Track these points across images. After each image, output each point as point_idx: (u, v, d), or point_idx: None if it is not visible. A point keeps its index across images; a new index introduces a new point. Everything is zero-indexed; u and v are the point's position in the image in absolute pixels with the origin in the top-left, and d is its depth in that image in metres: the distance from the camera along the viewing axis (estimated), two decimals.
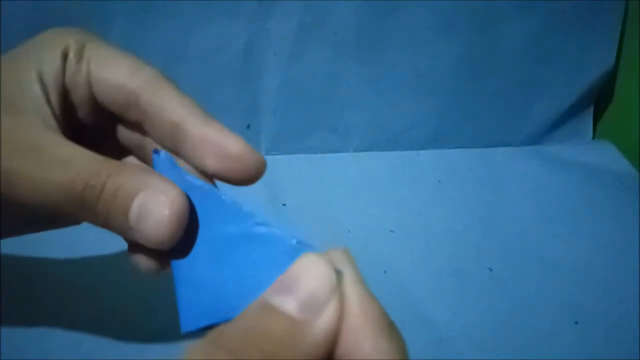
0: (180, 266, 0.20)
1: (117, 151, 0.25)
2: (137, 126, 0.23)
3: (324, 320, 0.15)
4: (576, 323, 0.36)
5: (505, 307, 0.36)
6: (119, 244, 0.24)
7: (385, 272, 0.38)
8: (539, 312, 0.36)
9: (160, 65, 0.43)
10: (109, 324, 0.31)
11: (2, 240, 0.26)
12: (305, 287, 0.15)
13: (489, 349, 0.34)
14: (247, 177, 0.22)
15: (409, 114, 0.48)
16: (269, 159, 0.46)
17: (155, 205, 0.19)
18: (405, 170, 0.47)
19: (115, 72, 0.22)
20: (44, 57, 0.22)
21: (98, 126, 0.24)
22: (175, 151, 0.22)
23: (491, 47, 0.47)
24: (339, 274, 0.16)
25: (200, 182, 0.20)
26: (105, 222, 0.20)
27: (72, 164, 0.20)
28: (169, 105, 0.22)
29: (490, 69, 0.48)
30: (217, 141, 0.21)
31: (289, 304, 0.15)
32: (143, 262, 0.22)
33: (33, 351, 0.29)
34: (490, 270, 0.39)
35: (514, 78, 0.48)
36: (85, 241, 0.32)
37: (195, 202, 0.20)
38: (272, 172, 0.44)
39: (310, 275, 0.16)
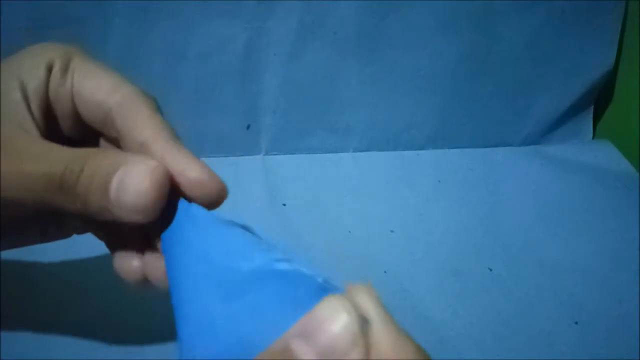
0: (184, 303, 0.19)
1: None
2: (116, 143, 0.23)
3: None
4: (576, 323, 0.36)
5: (505, 307, 0.36)
6: None
7: (385, 272, 0.38)
8: (539, 312, 0.36)
9: (160, 65, 0.43)
10: (109, 324, 0.31)
11: None
12: (326, 335, 0.15)
13: (489, 349, 0.34)
14: (207, 203, 0.21)
15: (409, 114, 0.48)
16: (269, 159, 0.46)
17: (134, 176, 0.19)
18: (405, 170, 0.47)
19: (95, 89, 0.22)
20: (28, 67, 0.22)
21: (82, 140, 0.24)
22: None
23: (491, 47, 0.47)
24: (364, 322, 0.16)
25: (214, 215, 0.20)
26: (84, 204, 0.20)
27: (50, 154, 0.20)
28: (138, 125, 0.22)
29: (490, 68, 0.48)
30: (177, 165, 0.21)
31: (309, 354, 0.15)
32: (126, 266, 0.22)
33: (33, 351, 0.29)
34: (490, 270, 0.39)
35: (514, 78, 0.48)
36: (85, 241, 0.32)
37: (206, 236, 0.19)
38: (272, 172, 0.45)
39: (332, 322, 0.15)
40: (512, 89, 0.49)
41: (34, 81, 0.22)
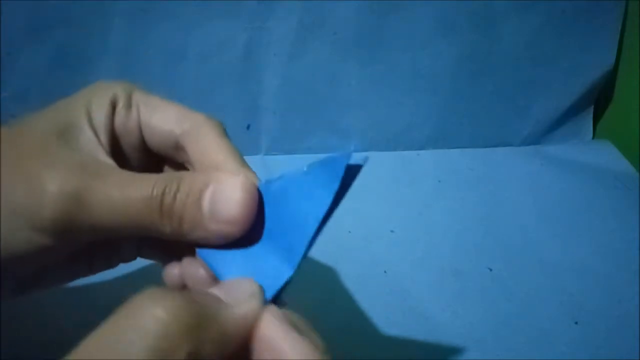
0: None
1: None
2: (185, 169, 0.24)
3: (244, 306, 0.18)
4: (576, 323, 0.36)
5: (505, 307, 0.36)
6: None
7: (385, 272, 0.38)
8: (539, 312, 0.36)
9: (160, 65, 0.43)
10: None
11: None
12: (237, 288, 0.19)
13: (489, 349, 0.34)
14: None
15: (409, 114, 0.48)
16: (269, 159, 0.46)
17: (227, 188, 0.20)
18: (405, 170, 0.47)
19: (164, 119, 0.23)
20: (93, 105, 0.23)
21: (147, 170, 0.25)
22: None
23: (491, 47, 0.47)
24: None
25: None
26: (180, 222, 0.20)
27: (144, 179, 0.21)
28: (209, 151, 0.23)
29: (490, 69, 0.48)
30: None
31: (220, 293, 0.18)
32: (169, 274, 0.23)
33: (33, 351, 0.29)
34: (490, 270, 0.39)
35: (514, 78, 0.48)
36: None
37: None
38: (272, 172, 0.44)
39: (240, 284, 0.19)
40: (512, 89, 0.49)
41: (100, 118, 0.23)
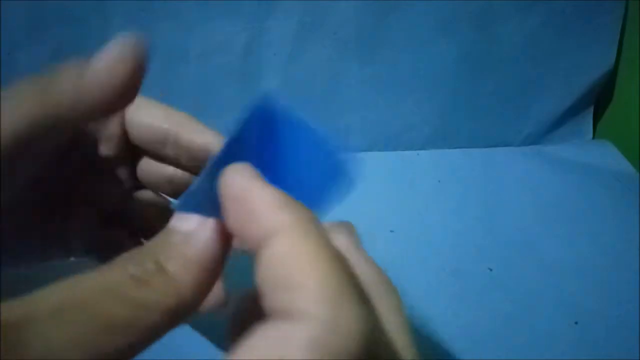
0: None
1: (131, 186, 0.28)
2: (169, 160, 0.27)
3: (204, 228, 0.19)
4: (576, 323, 0.36)
5: (505, 307, 0.36)
6: None
7: (385, 272, 0.38)
8: (539, 312, 0.36)
9: (160, 65, 0.43)
10: None
11: None
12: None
13: (489, 349, 0.34)
14: None
15: (409, 114, 0.48)
16: None
17: (105, 52, 0.21)
18: (405, 170, 0.47)
19: (150, 116, 0.26)
20: None
21: (113, 159, 0.27)
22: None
23: (491, 47, 0.47)
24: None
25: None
26: (75, 92, 0.21)
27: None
28: (202, 136, 0.26)
29: (490, 69, 0.48)
30: None
31: (184, 225, 0.19)
32: None
33: None
34: (490, 270, 0.39)
35: (514, 78, 0.48)
36: None
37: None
38: None
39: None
40: (512, 89, 0.49)
41: None
